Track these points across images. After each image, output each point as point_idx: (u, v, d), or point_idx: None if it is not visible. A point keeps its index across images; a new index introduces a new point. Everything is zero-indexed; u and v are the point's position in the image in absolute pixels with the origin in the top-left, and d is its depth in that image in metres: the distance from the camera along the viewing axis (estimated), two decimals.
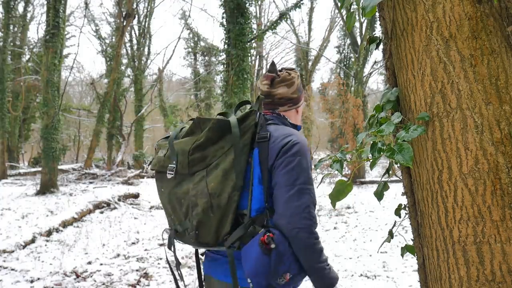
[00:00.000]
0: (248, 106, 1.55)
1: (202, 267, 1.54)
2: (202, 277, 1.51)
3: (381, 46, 1.43)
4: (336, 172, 1.37)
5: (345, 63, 23.25)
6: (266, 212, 1.30)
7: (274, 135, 1.34)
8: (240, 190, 1.27)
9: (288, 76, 1.55)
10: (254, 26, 11.03)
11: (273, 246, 1.21)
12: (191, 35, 25.28)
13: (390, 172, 1.59)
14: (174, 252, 1.47)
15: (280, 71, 1.56)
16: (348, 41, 22.09)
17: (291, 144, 1.31)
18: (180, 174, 1.32)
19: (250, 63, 11.16)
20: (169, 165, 1.34)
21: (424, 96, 1.16)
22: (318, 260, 1.29)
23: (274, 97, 1.52)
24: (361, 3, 1.20)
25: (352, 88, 18.35)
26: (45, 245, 5.68)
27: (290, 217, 1.24)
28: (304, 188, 1.26)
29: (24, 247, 5.50)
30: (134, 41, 23.48)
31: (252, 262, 1.23)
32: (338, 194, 1.35)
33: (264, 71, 27.94)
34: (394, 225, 1.66)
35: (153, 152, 2.08)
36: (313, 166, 1.35)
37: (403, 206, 1.52)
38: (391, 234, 1.64)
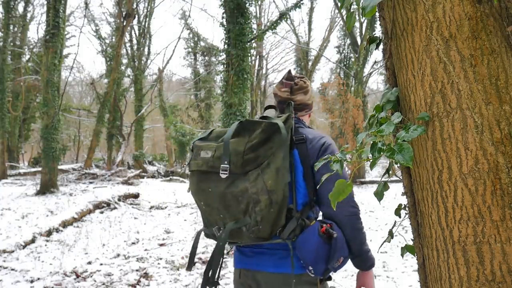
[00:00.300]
0: (272, 110, 1.72)
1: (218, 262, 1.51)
2: (238, 271, 1.58)
3: (381, 46, 1.43)
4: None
5: (345, 63, 23.25)
6: (311, 205, 1.49)
7: (309, 137, 1.54)
8: (288, 187, 1.39)
9: (304, 84, 1.72)
10: (254, 26, 11.03)
11: (335, 235, 1.39)
12: (191, 35, 25.30)
13: (390, 172, 1.58)
14: (195, 248, 1.53)
15: (295, 78, 1.73)
16: (348, 41, 22.10)
17: (326, 144, 1.54)
18: (233, 173, 1.38)
19: (250, 63, 11.15)
20: (222, 166, 1.37)
21: (424, 96, 1.16)
22: (364, 243, 1.54)
23: (293, 102, 1.68)
24: (361, 3, 1.20)
25: (352, 88, 18.36)
26: (45, 245, 5.68)
27: (340, 207, 1.43)
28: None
29: (24, 247, 5.50)
30: (134, 41, 23.49)
31: (313, 251, 1.38)
32: (338, 194, 1.35)
33: (264, 71, 27.95)
34: (394, 225, 1.66)
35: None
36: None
37: (403, 206, 1.52)
38: (391, 234, 1.64)
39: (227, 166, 1.37)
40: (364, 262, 1.56)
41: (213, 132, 1.55)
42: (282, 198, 1.36)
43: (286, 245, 1.43)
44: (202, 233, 1.53)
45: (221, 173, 1.37)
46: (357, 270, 1.64)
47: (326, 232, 1.39)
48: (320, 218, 1.58)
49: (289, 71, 1.72)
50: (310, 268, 1.40)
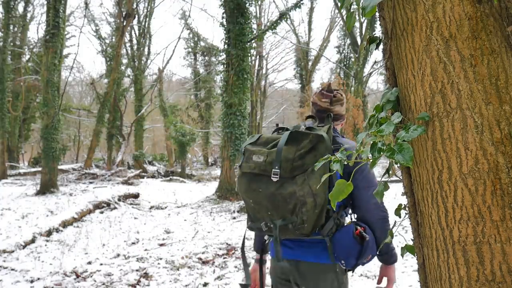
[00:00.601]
0: (311, 120, 1.92)
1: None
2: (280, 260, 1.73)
3: (381, 46, 1.43)
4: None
5: (345, 63, 23.26)
6: (345, 206, 1.76)
7: (345, 146, 1.63)
8: (328, 190, 1.56)
9: (340, 96, 1.97)
10: (254, 26, 11.03)
11: (367, 238, 1.65)
12: (191, 35, 25.29)
13: (390, 172, 1.58)
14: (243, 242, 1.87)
15: (334, 91, 1.98)
16: (348, 41, 22.10)
17: None
18: (282, 177, 1.57)
19: (250, 63, 11.15)
20: (273, 170, 1.57)
21: (424, 96, 1.16)
22: (382, 239, 1.73)
23: (332, 113, 1.90)
24: (361, 3, 1.20)
25: (352, 88, 18.36)
26: (45, 245, 5.68)
27: (373, 210, 1.71)
28: (375, 188, 1.53)
29: (24, 247, 5.50)
30: (134, 41, 23.49)
31: (346, 248, 1.65)
32: (338, 194, 1.36)
33: (264, 71, 27.96)
34: (394, 225, 1.66)
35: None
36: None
37: (403, 206, 1.52)
38: (391, 234, 1.64)
39: (278, 170, 1.56)
40: (389, 258, 1.86)
41: (261, 138, 1.77)
42: (324, 200, 1.57)
43: (324, 240, 1.68)
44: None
45: (273, 177, 1.56)
46: (357, 270, 1.82)
47: (360, 234, 1.65)
48: (351, 218, 1.84)
49: (330, 84, 1.96)
50: (343, 261, 1.67)
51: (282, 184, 1.57)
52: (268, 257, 2.03)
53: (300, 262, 1.76)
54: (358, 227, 1.67)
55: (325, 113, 1.90)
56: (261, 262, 1.97)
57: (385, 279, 1.91)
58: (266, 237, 1.83)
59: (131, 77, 23.39)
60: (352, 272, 1.82)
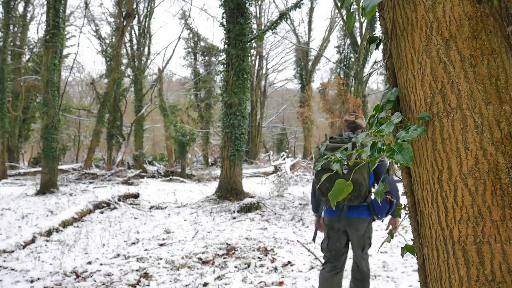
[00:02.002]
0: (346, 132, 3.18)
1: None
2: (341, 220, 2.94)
3: (381, 46, 1.43)
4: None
5: (345, 63, 23.25)
6: (373, 185, 2.90)
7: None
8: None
9: (359, 115, 3.13)
10: (254, 26, 11.01)
11: (394, 201, 2.76)
12: (191, 35, 25.29)
13: (390, 172, 1.59)
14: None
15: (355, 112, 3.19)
16: (348, 41, 22.10)
17: None
18: (348, 170, 2.38)
19: (250, 63, 11.14)
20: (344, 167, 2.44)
21: (424, 96, 1.16)
22: (399, 203, 2.69)
23: (358, 125, 3.10)
24: (361, 3, 1.20)
25: (352, 88, 18.36)
26: (45, 245, 5.68)
27: (392, 185, 2.74)
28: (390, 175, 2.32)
29: (24, 247, 5.50)
30: (134, 41, 23.49)
31: (382, 208, 2.82)
32: (337, 193, 1.36)
33: (264, 71, 28.02)
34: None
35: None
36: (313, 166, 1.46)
37: (403, 206, 1.52)
38: (391, 234, 1.64)
39: (347, 167, 2.36)
40: (395, 212, 2.63)
41: (328, 145, 2.90)
42: (368, 183, 2.76)
43: (367, 204, 2.85)
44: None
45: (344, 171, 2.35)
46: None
47: (389, 200, 2.78)
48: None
49: (354, 110, 3.41)
50: (379, 216, 2.86)
51: (349, 174, 2.27)
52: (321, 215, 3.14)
53: (351, 218, 2.90)
54: (388, 195, 2.76)
55: (353, 123, 3.09)
56: (318, 217, 3.11)
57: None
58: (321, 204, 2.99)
59: (131, 77, 23.39)
60: (382, 221, 2.97)
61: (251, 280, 4.18)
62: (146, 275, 4.41)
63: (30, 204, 9.39)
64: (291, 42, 26.89)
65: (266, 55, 29.30)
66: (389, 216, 2.97)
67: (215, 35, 69.10)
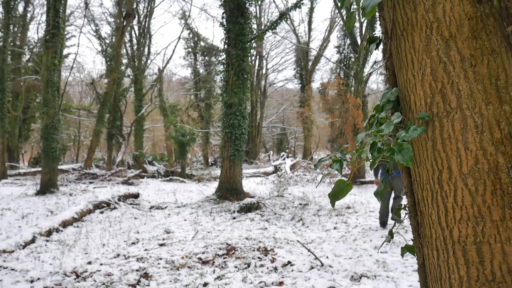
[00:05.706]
0: None
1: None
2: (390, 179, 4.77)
3: (381, 46, 1.43)
4: (336, 172, 1.40)
5: (345, 63, 23.26)
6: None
7: None
8: None
9: None
10: (254, 26, 11.01)
11: None
12: (191, 35, 25.29)
13: (390, 172, 1.58)
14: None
15: None
16: (348, 41, 22.09)
17: None
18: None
19: (250, 63, 11.15)
20: None
21: (424, 96, 1.16)
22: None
23: None
24: (361, 3, 1.20)
25: (352, 88, 18.35)
26: (45, 245, 5.68)
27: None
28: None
29: (24, 247, 5.49)
30: (134, 41, 23.47)
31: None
32: (337, 193, 1.36)
33: (264, 71, 27.99)
34: (394, 225, 1.66)
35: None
36: (313, 166, 1.42)
37: (403, 206, 1.53)
38: (391, 234, 1.64)
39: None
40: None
41: None
42: None
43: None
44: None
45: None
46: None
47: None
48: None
49: None
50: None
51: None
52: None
53: (396, 177, 5.86)
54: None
55: None
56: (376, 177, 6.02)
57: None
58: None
59: (131, 77, 23.38)
60: None
61: (251, 280, 4.18)
62: (146, 275, 4.40)
63: (30, 204, 9.39)
64: (291, 42, 26.89)
65: (266, 55, 29.30)
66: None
67: (215, 35, 69.16)
